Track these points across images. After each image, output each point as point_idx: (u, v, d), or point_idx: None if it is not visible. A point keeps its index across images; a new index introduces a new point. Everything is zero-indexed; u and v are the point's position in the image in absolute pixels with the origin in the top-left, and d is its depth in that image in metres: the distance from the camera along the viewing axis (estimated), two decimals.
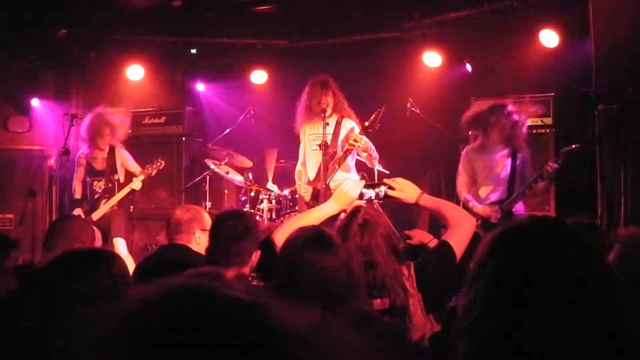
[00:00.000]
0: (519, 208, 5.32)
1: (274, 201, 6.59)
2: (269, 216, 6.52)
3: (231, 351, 0.63)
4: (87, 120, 6.71)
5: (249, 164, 7.17)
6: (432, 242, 3.25)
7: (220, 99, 8.44)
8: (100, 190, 6.61)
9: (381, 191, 3.17)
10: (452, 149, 7.04)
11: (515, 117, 5.26)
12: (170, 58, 8.22)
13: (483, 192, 5.46)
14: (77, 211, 6.37)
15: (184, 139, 7.87)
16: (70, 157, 6.76)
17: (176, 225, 3.52)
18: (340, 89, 5.78)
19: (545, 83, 6.55)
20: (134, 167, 6.72)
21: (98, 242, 3.85)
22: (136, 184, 6.49)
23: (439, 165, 7.56)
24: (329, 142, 5.50)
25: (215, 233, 2.92)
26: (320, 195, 5.37)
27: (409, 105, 6.65)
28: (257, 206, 6.62)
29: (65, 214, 7.03)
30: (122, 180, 6.63)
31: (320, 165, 5.46)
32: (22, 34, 7.41)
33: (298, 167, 6.02)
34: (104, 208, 6.46)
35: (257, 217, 6.24)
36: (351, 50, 7.64)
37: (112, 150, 6.75)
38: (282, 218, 6.35)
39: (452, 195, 6.99)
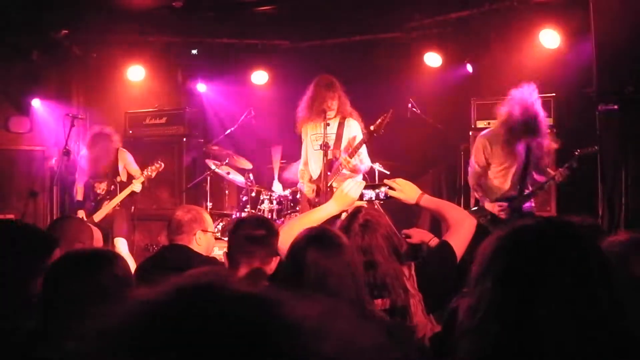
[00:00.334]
0: (528, 206, 5.32)
1: (274, 202, 6.59)
2: (269, 217, 6.52)
3: (242, 346, 0.63)
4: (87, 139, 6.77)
5: (249, 165, 7.17)
6: (433, 241, 3.25)
7: (221, 99, 8.44)
8: (102, 192, 6.63)
9: (382, 192, 3.17)
10: (452, 149, 7.05)
11: (531, 111, 5.10)
12: (171, 58, 8.23)
13: (496, 183, 5.39)
14: (80, 213, 6.40)
15: (184, 139, 7.87)
16: (71, 157, 6.77)
17: (177, 226, 3.51)
18: (344, 90, 5.80)
19: (546, 83, 6.54)
20: (135, 169, 6.74)
21: (98, 243, 3.84)
22: (136, 186, 6.52)
23: (440, 166, 7.56)
24: (330, 143, 5.52)
25: (233, 233, 2.90)
26: (321, 194, 5.38)
27: (409, 105, 6.66)
28: (258, 207, 6.63)
29: (66, 214, 7.04)
30: (125, 181, 6.66)
31: (324, 165, 5.47)
32: (23, 34, 7.41)
33: (300, 166, 6.03)
34: (105, 209, 6.49)
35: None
36: (352, 51, 7.65)
37: (114, 152, 6.76)
38: (282, 219, 6.35)
39: (453, 195, 7.01)
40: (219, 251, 5.67)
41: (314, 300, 0.72)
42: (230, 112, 8.10)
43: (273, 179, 7.19)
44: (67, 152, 6.70)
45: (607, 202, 5.71)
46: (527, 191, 5.31)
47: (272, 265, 2.83)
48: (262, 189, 6.75)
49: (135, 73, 8.10)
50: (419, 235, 3.31)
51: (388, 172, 6.17)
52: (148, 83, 8.22)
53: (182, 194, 7.67)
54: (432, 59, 7.27)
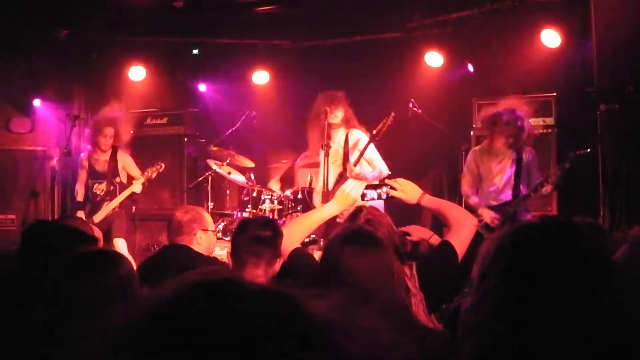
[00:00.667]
0: (523, 211, 5.35)
1: (276, 202, 6.59)
2: (271, 217, 6.52)
3: (271, 340, 0.63)
4: (90, 120, 6.76)
5: (251, 164, 7.18)
6: (433, 239, 3.25)
7: (223, 99, 8.43)
8: (101, 193, 6.64)
9: (383, 192, 3.18)
10: (453, 149, 7.05)
11: (520, 123, 5.27)
12: (172, 59, 8.22)
13: (488, 193, 5.48)
14: (80, 214, 6.41)
15: (186, 139, 7.88)
16: (73, 158, 6.78)
17: (177, 227, 3.51)
18: (349, 103, 5.82)
19: (547, 83, 6.55)
20: (135, 170, 6.76)
21: (99, 244, 3.85)
22: (136, 187, 6.53)
23: (441, 166, 7.56)
24: (339, 151, 5.61)
25: (239, 234, 2.90)
26: (323, 197, 5.41)
27: (410, 105, 6.66)
28: (259, 206, 6.63)
29: (67, 214, 7.05)
30: (124, 182, 6.67)
31: (324, 165, 5.49)
32: (24, 35, 7.42)
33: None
34: (105, 210, 6.50)
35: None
36: (353, 51, 7.64)
37: (114, 153, 6.78)
38: (284, 219, 6.36)
39: (454, 196, 7.00)
40: (220, 251, 5.67)
41: (332, 297, 0.72)
42: (231, 112, 8.09)
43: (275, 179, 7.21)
44: (68, 153, 6.71)
45: (608, 201, 5.72)
46: (520, 195, 5.34)
47: (276, 267, 2.83)
48: (264, 189, 6.76)
49: (137, 73, 8.10)
50: (419, 232, 3.31)
51: (389, 172, 6.18)
52: (149, 83, 8.22)
53: (183, 194, 7.67)
54: (433, 59, 7.26)
